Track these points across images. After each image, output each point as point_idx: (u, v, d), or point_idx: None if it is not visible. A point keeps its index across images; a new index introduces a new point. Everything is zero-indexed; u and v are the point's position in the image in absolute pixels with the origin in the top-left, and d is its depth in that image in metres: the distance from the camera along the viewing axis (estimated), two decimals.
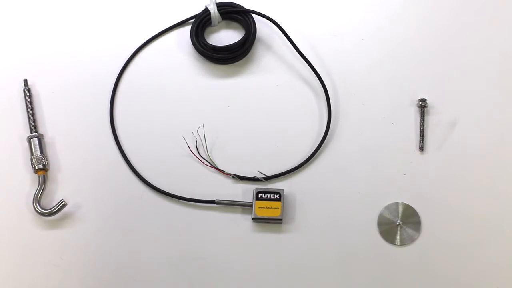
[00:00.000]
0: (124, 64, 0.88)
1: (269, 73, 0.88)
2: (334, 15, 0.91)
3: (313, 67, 0.85)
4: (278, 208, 0.79)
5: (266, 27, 0.89)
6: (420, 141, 0.83)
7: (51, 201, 0.81)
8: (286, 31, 0.86)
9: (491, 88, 0.85)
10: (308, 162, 0.82)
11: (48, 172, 0.82)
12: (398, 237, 0.79)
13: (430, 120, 0.84)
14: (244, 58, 0.88)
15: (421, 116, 0.84)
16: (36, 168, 0.81)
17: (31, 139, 0.82)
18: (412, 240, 0.79)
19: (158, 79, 0.88)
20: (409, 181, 0.81)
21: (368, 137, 0.84)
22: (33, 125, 0.84)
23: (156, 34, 0.90)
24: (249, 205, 0.79)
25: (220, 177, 0.82)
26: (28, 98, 0.85)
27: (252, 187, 0.80)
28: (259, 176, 0.81)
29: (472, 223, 0.79)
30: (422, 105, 0.84)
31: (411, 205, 0.80)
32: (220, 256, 0.79)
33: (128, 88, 0.87)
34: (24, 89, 0.86)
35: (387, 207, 0.80)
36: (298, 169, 0.82)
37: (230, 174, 0.82)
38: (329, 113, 0.84)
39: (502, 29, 0.88)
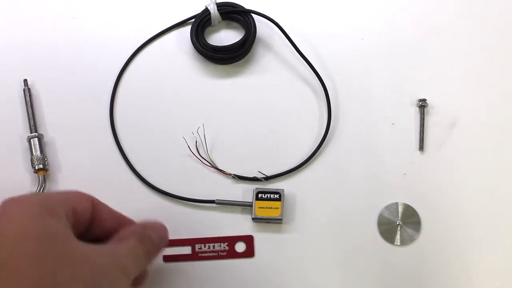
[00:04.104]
0: (124, 64, 0.88)
1: (269, 73, 0.88)
2: (334, 15, 0.91)
3: (313, 67, 0.86)
4: (278, 208, 0.79)
5: (266, 27, 0.89)
6: (420, 141, 0.83)
7: None
8: (286, 31, 0.87)
9: (491, 88, 0.85)
10: (308, 162, 0.83)
11: (48, 172, 0.82)
12: (398, 237, 0.79)
13: (430, 120, 0.84)
14: (244, 58, 0.88)
15: (421, 116, 0.84)
16: (36, 168, 0.81)
17: (31, 139, 0.82)
18: (412, 240, 0.79)
19: (158, 79, 0.88)
20: (409, 181, 0.81)
21: (368, 137, 0.84)
22: (33, 125, 0.84)
23: (156, 34, 0.90)
24: (249, 205, 0.79)
25: (220, 177, 0.82)
26: (28, 98, 0.85)
27: (252, 187, 0.80)
28: (259, 176, 0.82)
29: (472, 223, 0.79)
30: (422, 105, 0.84)
31: (411, 205, 0.80)
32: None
33: (128, 88, 0.87)
34: (24, 89, 0.86)
35: (387, 207, 0.80)
36: (298, 169, 0.82)
37: (230, 174, 0.82)
38: (329, 113, 0.84)
39: (503, 29, 0.88)
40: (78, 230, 0.62)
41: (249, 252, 0.79)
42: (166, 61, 0.89)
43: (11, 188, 0.82)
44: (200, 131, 0.84)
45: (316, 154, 0.83)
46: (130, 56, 0.89)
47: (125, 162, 0.83)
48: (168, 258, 0.79)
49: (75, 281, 0.55)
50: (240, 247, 0.79)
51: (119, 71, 0.88)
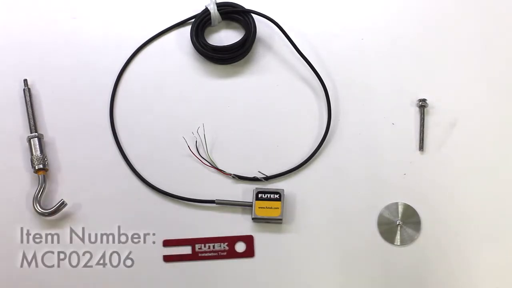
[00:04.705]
0: (124, 64, 0.88)
1: (269, 73, 0.88)
2: (334, 15, 0.91)
3: (313, 67, 0.86)
4: (278, 208, 0.79)
5: (266, 27, 0.89)
6: (420, 141, 0.83)
7: (51, 201, 0.81)
8: (286, 31, 0.86)
9: (491, 88, 0.85)
10: (308, 162, 0.82)
11: (48, 172, 0.82)
12: (398, 237, 0.79)
13: (430, 120, 0.84)
14: (244, 58, 0.88)
15: (421, 116, 0.84)
16: (36, 168, 0.81)
17: (31, 139, 0.82)
18: (412, 240, 0.79)
19: (158, 79, 0.88)
20: (409, 181, 0.81)
21: (368, 137, 0.84)
22: (33, 125, 0.84)
23: (156, 34, 0.90)
24: (249, 205, 0.79)
25: (220, 177, 0.82)
26: (28, 98, 0.85)
27: (252, 187, 0.80)
28: (259, 176, 0.82)
29: (472, 223, 0.79)
30: (422, 105, 0.84)
31: (411, 205, 0.80)
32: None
33: (128, 88, 0.87)
34: (24, 89, 0.86)
35: (387, 207, 0.80)
36: (298, 169, 0.82)
37: (230, 174, 0.82)
38: (329, 113, 0.84)
39: (503, 29, 0.88)
40: None
41: (249, 252, 0.79)
42: (166, 61, 0.89)
43: (11, 188, 0.82)
44: (200, 131, 0.84)
45: (316, 154, 0.83)
46: (130, 56, 0.89)
47: (125, 162, 0.83)
48: (168, 258, 0.79)
49: None
50: (240, 247, 0.79)
51: (119, 71, 0.88)
